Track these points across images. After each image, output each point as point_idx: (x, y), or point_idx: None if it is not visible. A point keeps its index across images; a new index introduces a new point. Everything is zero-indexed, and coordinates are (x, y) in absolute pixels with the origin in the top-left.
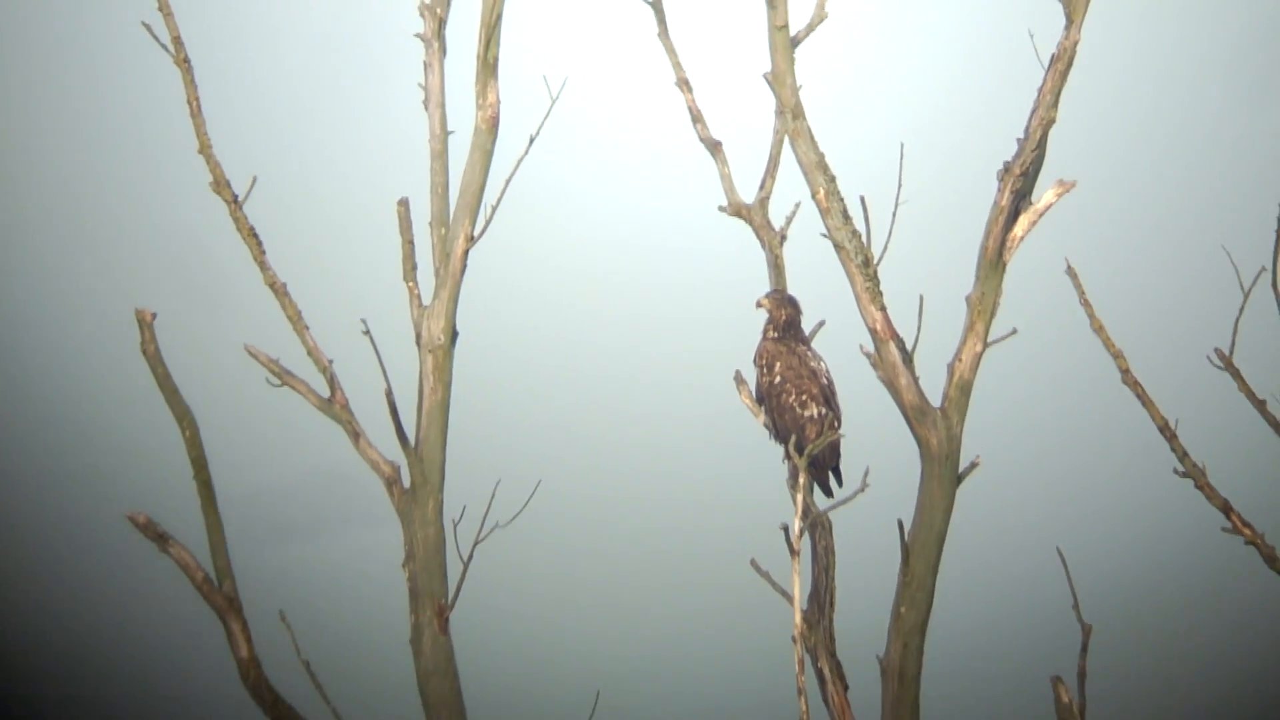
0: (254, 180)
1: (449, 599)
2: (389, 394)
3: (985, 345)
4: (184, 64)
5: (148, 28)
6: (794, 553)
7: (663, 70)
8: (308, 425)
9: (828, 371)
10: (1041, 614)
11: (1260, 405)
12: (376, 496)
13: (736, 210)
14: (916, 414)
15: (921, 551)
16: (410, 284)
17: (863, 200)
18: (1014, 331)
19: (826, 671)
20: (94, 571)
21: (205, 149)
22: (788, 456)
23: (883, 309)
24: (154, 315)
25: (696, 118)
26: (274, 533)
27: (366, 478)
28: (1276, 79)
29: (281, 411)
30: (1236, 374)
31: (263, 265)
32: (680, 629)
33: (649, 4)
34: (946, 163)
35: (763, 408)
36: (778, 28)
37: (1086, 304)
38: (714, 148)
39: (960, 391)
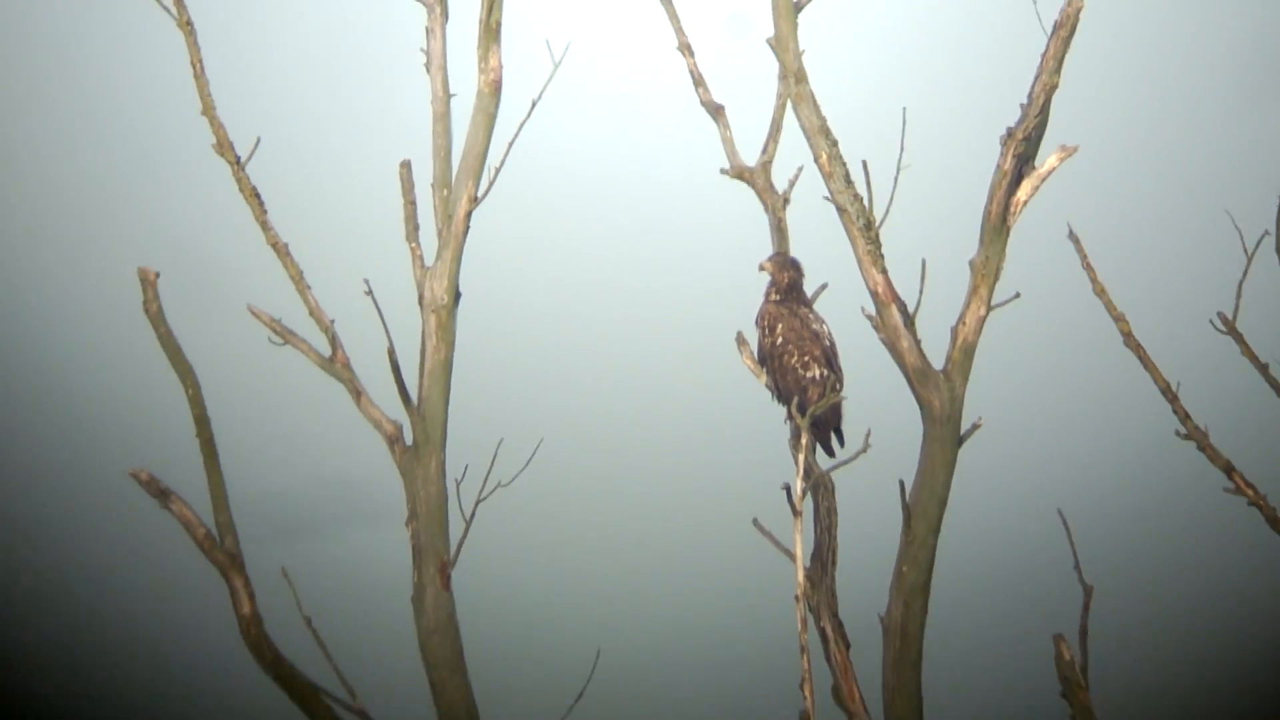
0: (257, 141)
1: (451, 557)
2: (391, 352)
3: (989, 309)
4: (187, 26)
5: None
6: (796, 513)
7: (665, 34)
8: (310, 384)
9: (830, 334)
10: (1043, 574)
11: (1263, 369)
12: (379, 455)
13: (739, 173)
14: (919, 376)
15: (923, 512)
16: (413, 245)
17: (865, 164)
18: (1017, 295)
19: (829, 630)
20: (96, 528)
21: (208, 110)
22: (790, 417)
23: (884, 272)
24: (157, 274)
25: (699, 82)
26: (277, 494)
27: (369, 437)
28: None
29: (284, 371)
30: (1239, 338)
31: (265, 225)
32: (682, 588)
33: None
34: (949, 127)
35: (765, 369)
36: None
37: (1089, 267)
38: (716, 112)
39: (964, 354)
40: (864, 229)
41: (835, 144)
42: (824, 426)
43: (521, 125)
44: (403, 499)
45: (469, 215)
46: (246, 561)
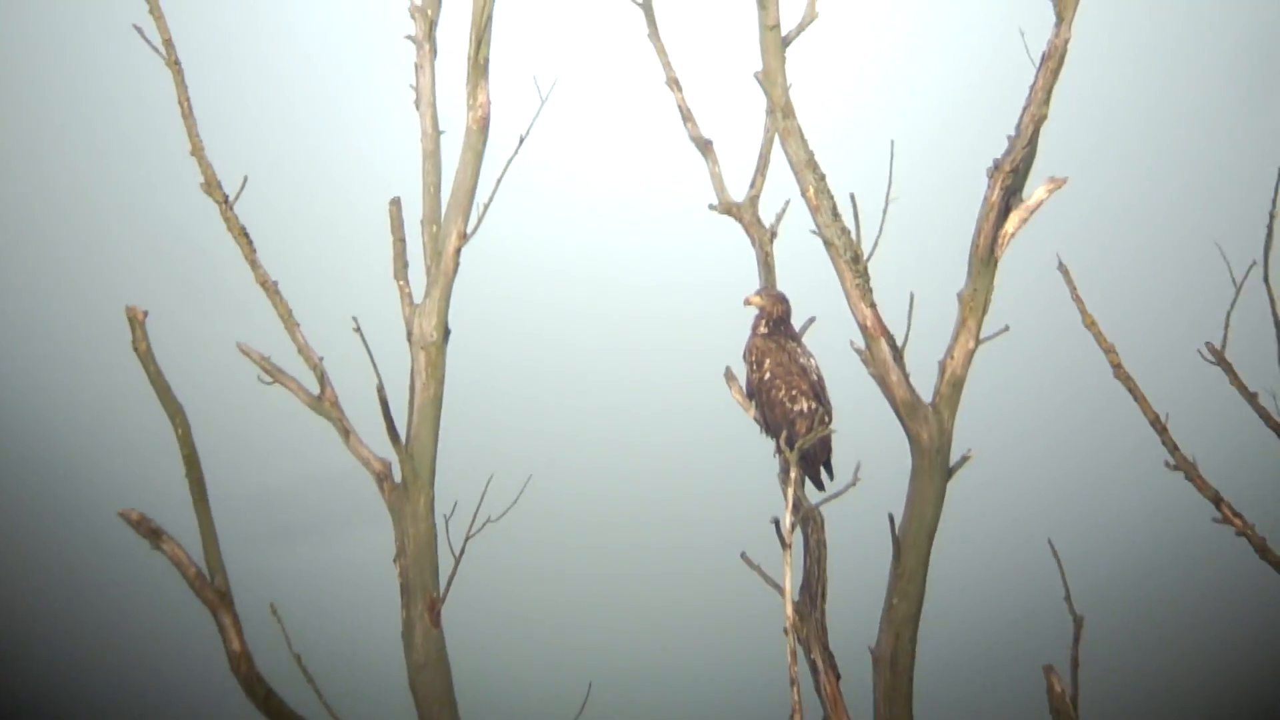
0: (245, 180)
1: (440, 593)
2: (380, 389)
3: (978, 342)
4: (175, 66)
5: (139, 30)
6: (785, 546)
7: (653, 70)
8: (299, 423)
9: (818, 368)
10: (1033, 606)
11: (1252, 399)
12: (367, 493)
13: (727, 208)
14: (908, 409)
15: (913, 544)
16: (401, 282)
17: (853, 198)
18: (1006, 329)
19: (819, 662)
20: (86, 568)
21: (197, 150)
22: (779, 451)
23: (872, 305)
24: (145, 313)
25: (687, 117)
26: (266, 529)
27: (358, 475)
28: (1266, 75)
29: (272, 409)
30: (1228, 368)
31: (254, 264)
32: (672, 622)
33: (639, 4)
34: (937, 160)
35: (753, 403)
36: (769, 27)
37: (1078, 300)
38: (704, 146)
39: (952, 387)
40: (851, 262)
41: (823, 178)
42: (813, 460)
43: (509, 162)
44: (392, 535)
45: (458, 252)
46: (236, 596)
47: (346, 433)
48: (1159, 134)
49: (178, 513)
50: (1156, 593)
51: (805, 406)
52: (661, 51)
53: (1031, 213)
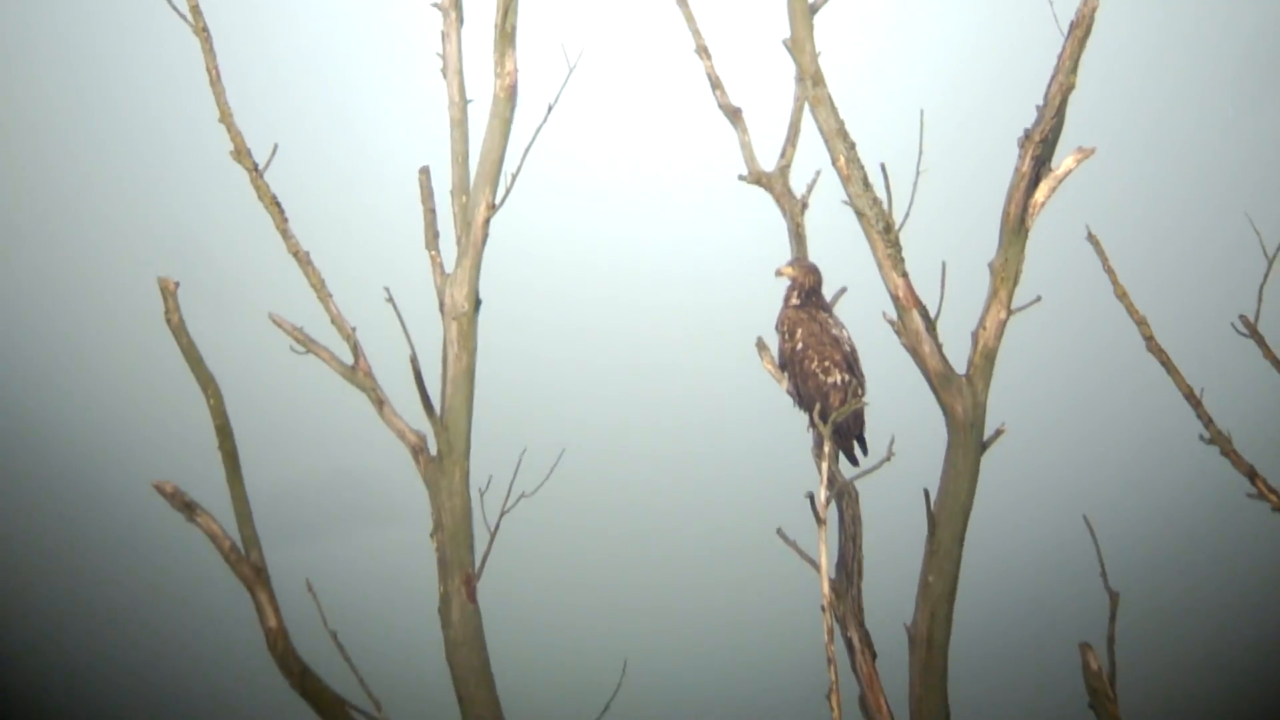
0: (275, 148)
1: (476, 568)
2: (414, 360)
3: (1009, 312)
4: (203, 33)
5: None
6: (820, 521)
7: (681, 37)
8: (333, 395)
9: (850, 339)
10: (1069, 581)
11: None
12: (403, 467)
13: (757, 178)
14: (941, 381)
15: (948, 520)
16: (432, 252)
17: (883, 167)
18: (1038, 299)
19: (855, 640)
20: (121, 541)
21: (226, 117)
22: (812, 425)
23: (905, 276)
24: (177, 284)
25: (716, 85)
26: (300, 504)
27: (393, 447)
28: None
29: (306, 380)
30: (1261, 341)
31: (285, 234)
32: (707, 598)
33: None
34: (967, 129)
35: (785, 374)
36: None
37: (1109, 270)
38: (734, 115)
39: (985, 359)
40: (883, 232)
41: (853, 147)
42: (846, 434)
43: (538, 130)
44: (425, 503)
45: (487, 222)
46: (271, 570)
47: (381, 403)
48: (1190, 102)
49: (213, 487)
50: (1192, 569)
51: (839, 378)
52: (690, 19)
53: (1060, 182)
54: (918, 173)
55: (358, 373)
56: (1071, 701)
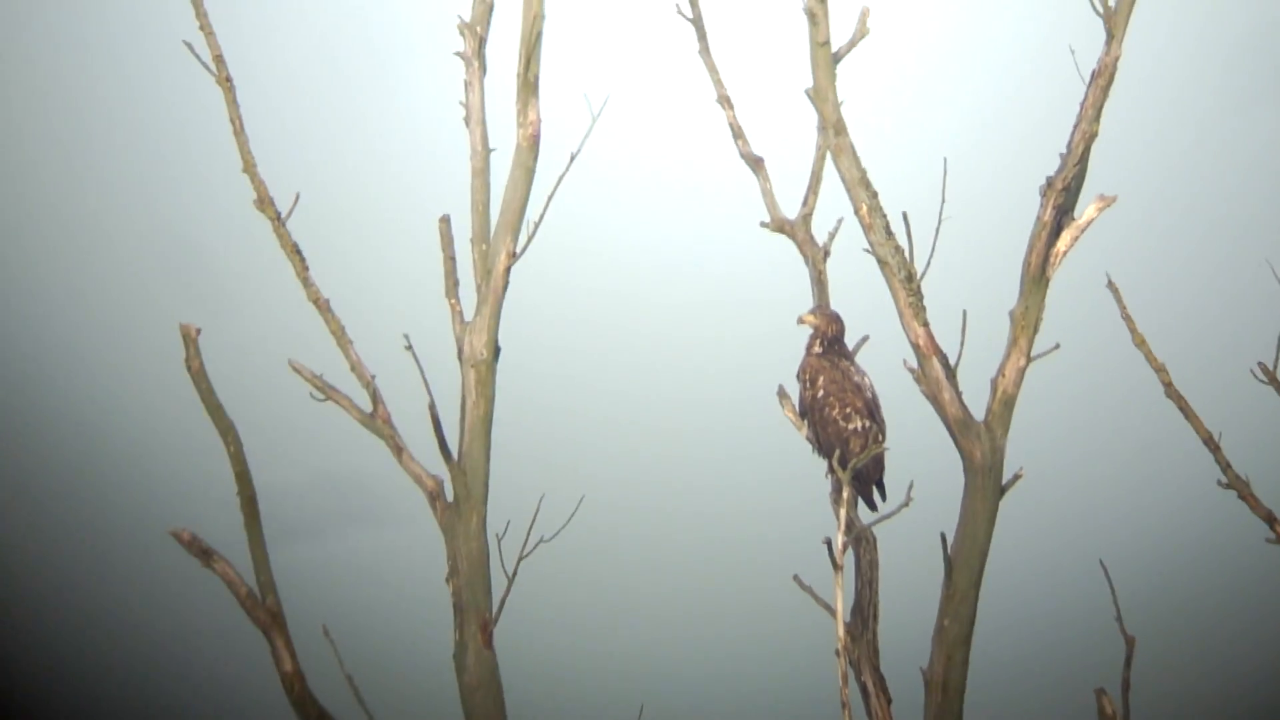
0: (297, 198)
1: (493, 614)
2: (432, 407)
3: (1029, 360)
4: (226, 83)
5: (189, 47)
6: (837, 567)
7: (703, 87)
8: (351, 441)
9: (871, 386)
10: (1085, 626)
11: None
12: (420, 512)
13: (779, 226)
14: (960, 427)
15: (965, 564)
16: (452, 300)
17: (905, 216)
18: (1057, 346)
19: (870, 684)
20: (138, 587)
21: (249, 167)
22: (831, 471)
23: (926, 324)
24: (199, 330)
25: (738, 134)
26: (317, 548)
27: (410, 493)
28: None
29: (325, 427)
30: (1279, 387)
31: (306, 281)
32: (724, 643)
33: (689, 20)
34: (989, 178)
35: (806, 422)
36: (819, 44)
37: (1128, 318)
38: (755, 164)
39: (1004, 405)
40: (905, 281)
41: (875, 195)
42: (865, 480)
43: (560, 179)
44: (442, 549)
45: (508, 270)
46: (288, 615)
47: (399, 450)
48: (1208, 152)
49: (228, 532)
50: (1209, 614)
51: (860, 425)
52: (712, 69)
53: (1082, 231)
54: (940, 221)
55: (376, 420)
56: None
